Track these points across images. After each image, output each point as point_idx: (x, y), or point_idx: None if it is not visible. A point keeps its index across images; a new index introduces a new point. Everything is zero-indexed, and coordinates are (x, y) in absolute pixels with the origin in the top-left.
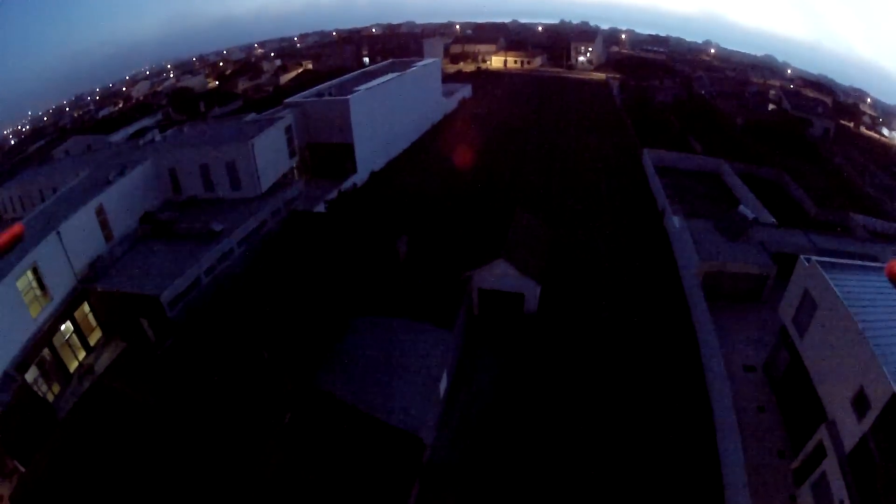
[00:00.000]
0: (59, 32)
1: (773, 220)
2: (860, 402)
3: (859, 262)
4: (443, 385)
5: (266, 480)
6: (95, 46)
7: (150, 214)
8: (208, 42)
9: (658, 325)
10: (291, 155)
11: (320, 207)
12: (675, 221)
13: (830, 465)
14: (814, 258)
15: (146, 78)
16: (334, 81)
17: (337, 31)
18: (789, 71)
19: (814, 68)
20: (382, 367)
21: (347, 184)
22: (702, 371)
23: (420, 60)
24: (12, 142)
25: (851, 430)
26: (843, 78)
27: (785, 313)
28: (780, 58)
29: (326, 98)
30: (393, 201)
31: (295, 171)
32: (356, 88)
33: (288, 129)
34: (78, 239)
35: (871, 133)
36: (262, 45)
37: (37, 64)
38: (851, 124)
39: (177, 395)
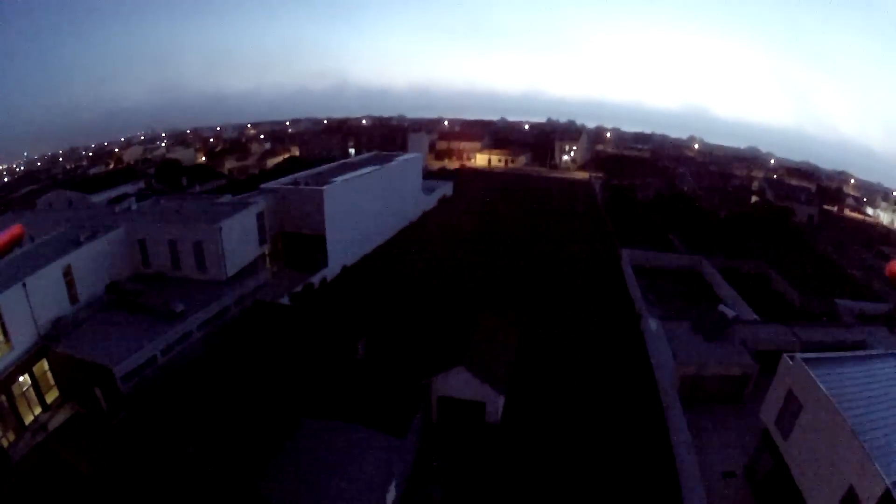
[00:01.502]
0: (55, 83)
1: (755, 316)
2: (849, 500)
3: (846, 354)
4: (391, 496)
5: None
6: (90, 103)
7: (116, 284)
8: (199, 116)
9: (631, 432)
10: (262, 241)
11: (286, 300)
12: (652, 324)
13: None
14: (798, 355)
15: (140, 143)
16: (313, 170)
17: (328, 119)
18: (773, 161)
19: (797, 155)
20: (328, 474)
21: (317, 277)
22: (677, 480)
23: (403, 155)
24: (6, 179)
25: None
26: (826, 162)
27: (767, 415)
28: (764, 148)
29: (301, 187)
30: (358, 299)
31: (266, 259)
32: (333, 179)
33: (260, 216)
34: (43, 294)
35: (856, 214)
36: (255, 125)
37: (36, 109)
38: (835, 208)
39: (116, 470)
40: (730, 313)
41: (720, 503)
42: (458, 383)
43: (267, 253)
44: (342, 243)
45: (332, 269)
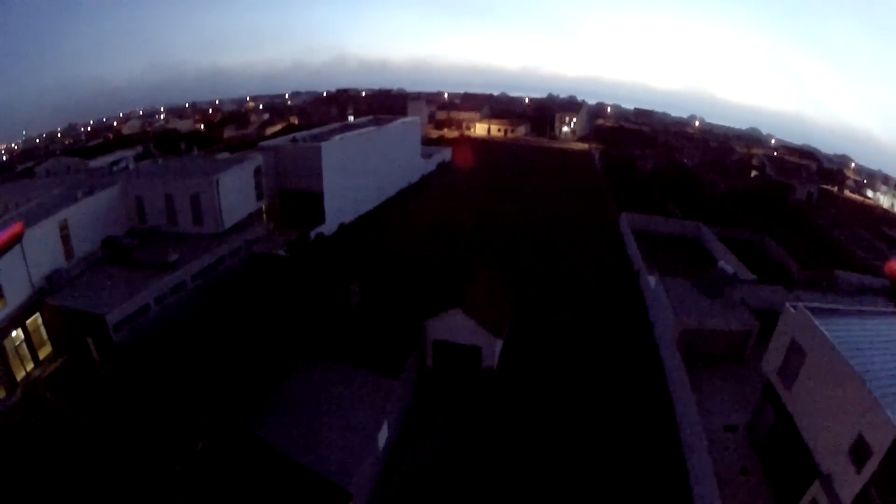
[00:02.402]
0: (50, 63)
1: (755, 276)
2: (859, 451)
3: (849, 308)
4: (382, 437)
5: None
6: (84, 81)
7: (112, 239)
8: (196, 92)
9: (629, 388)
10: (259, 197)
11: (282, 254)
12: (651, 281)
13: None
14: (801, 304)
15: (139, 118)
16: (311, 131)
17: (328, 92)
18: (773, 141)
19: (797, 138)
20: (320, 414)
21: (314, 233)
22: (677, 434)
23: (402, 118)
24: (4, 158)
25: (850, 482)
26: (826, 146)
27: (769, 366)
28: (765, 130)
29: (299, 144)
30: (354, 251)
31: (263, 215)
32: (331, 138)
33: (257, 171)
34: (39, 250)
35: (856, 196)
36: (253, 99)
37: (32, 88)
38: (835, 189)
39: (106, 415)
40: (729, 269)
41: (721, 456)
42: (454, 327)
43: (264, 209)
44: (339, 201)
45: (329, 227)
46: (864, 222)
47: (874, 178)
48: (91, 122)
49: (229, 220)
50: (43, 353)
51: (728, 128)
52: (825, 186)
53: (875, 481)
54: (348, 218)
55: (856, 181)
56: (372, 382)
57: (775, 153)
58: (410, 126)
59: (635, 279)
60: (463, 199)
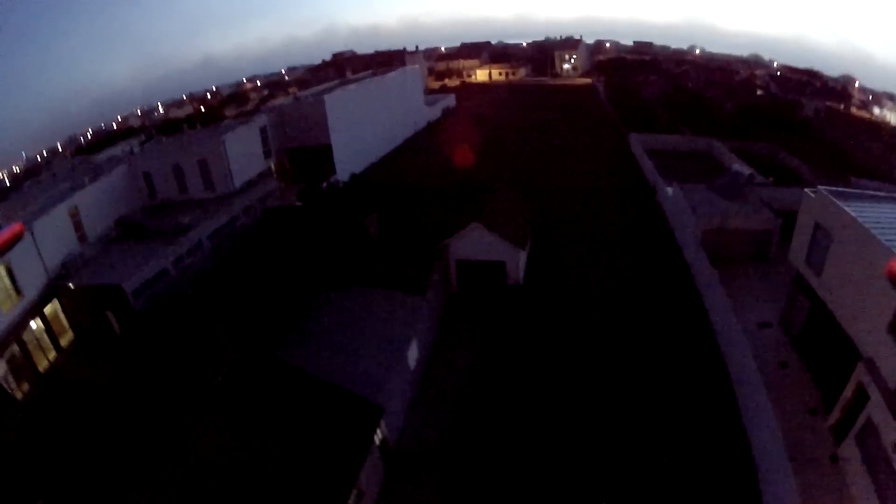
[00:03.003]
0: (39, 78)
1: (771, 179)
2: None
3: (866, 192)
4: (412, 354)
5: (198, 441)
6: (80, 93)
7: (124, 218)
8: (192, 83)
9: (657, 292)
10: (267, 155)
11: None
12: (669, 191)
13: (876, 408)
14: (820, 188)
15: (138, 117)
16: (312, 90)
17: (323, 59)
18: (775, 64)
19: (800, 62)
20: (348, 337)
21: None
22: (711, 333)
23: (401, 68)
24: (7, 184)
25: (893, 361)
26: (829, 69)
27: (796, 256)
28: (766, 56)
29: (302, 100)
30: (370, 189)
31: (273, 174)
32: (334, 91)
33: (263, 130)
34: (51, 238)
35: (863, 113)
36: (250, 80)
37: (25, 107)
38: (842, 106)
39: (131, 371)
40: (745, 171)
41: (759, 352)
42: (475, 243)
43: (273, 168)
44: (348, 151)
45: (340, 177)
46: (872, 136)
47: (880, 96)
48: (90, 131)
49: (240, 180)
50: (65, 341)
51: (729, 55)
52: (831, 104)
53: None
54: (359, 167)
55: (861, 100)
56: (398, 301)
57: (778, 74)
58: (411, 74)
59: (652, 194)
60: (473, 138)
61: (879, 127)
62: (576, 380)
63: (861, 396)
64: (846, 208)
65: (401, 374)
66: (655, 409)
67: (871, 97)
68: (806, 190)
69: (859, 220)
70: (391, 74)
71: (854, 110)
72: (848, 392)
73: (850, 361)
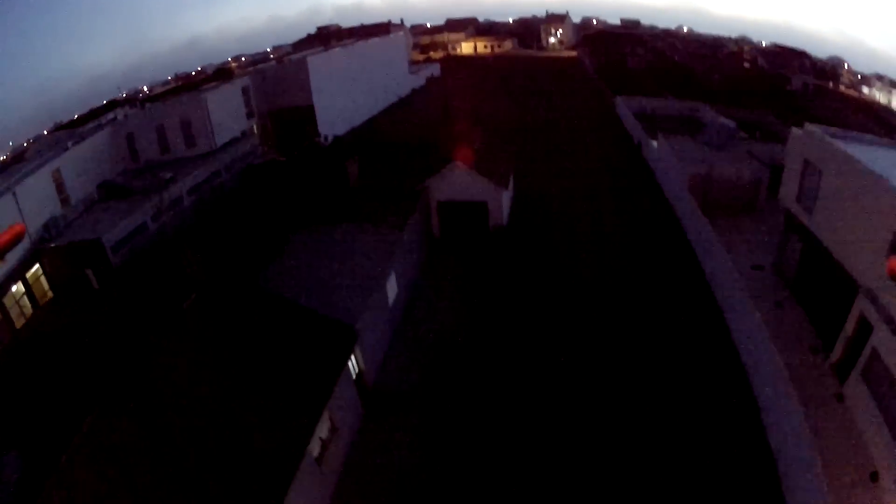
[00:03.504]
0: (23, 62)
1: (757, 134)
2: None
3: (852, 134)
4: (392, 289)
5: (165, 365)
6: (62, 76)
7: (107, 181)
8: (178, 65)
9: (644, 237)
10: (249, 115)
11: None
12: (654, 144)
13: (881, 338)
14: (807, 125)
15: (123, 99)
16: (295, 55)
17: (309, 34)
18: (764, 43)
19: (790, 44)
20: (324, 268)
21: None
22: (702, 276)
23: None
24: None
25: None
26: (820, 52)
27: (787, 196)
28: (755, 37)
29: (285, 62)
30: (354, 143)
31: (255, 135)
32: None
33: (245, 91)
34: (33, 201)
35: (851, 91)
36: (235, 59)
37: (8, 95)
38: (830, 84)
39: (106, 318)
40: (730, 123)
41: (753, 294)
42: (456, 183)
43: (256, 130)
44: (331, 114)
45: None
46: (860, 113)
47: (869, 77)
48: (76, 116)
49: (221, 139)
50: (44, 302)
51: (717, 36)
52: (820, 83)
53: None
54: (342, 130)
55: (850, 80)
56: (376, 236)
57: (767, 51)
58: (395, 40)
59: (637, 150)
60: (457, 104)
61: (868, 105)
62: (560, 319)
63: (864, 329)
64: (833, 141)
65: (379, 307)
66: (644, 351)
67: (859, 77)
68: (793, 129)
69: (848, 150)
70: (375, 40)
71: (843, 88)
72: (849, 326)
73: (847, 298)
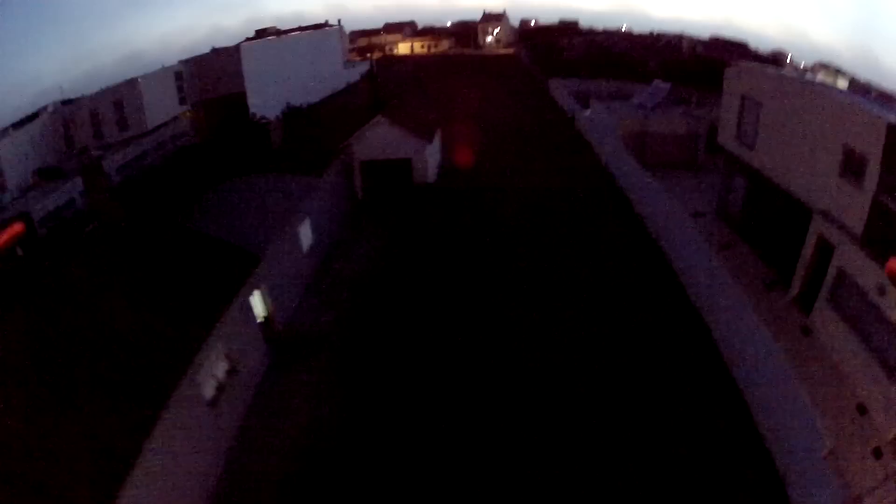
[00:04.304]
0: None
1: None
2: (852, 165)
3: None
4: (306, 234)
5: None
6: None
7: (42, 167)
8: (123, 76)
9: (576, 194)
10: (182, 101)
11: None
12: (587, 112)
13: (846, 255)
14: (741, 62)
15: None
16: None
17: (248, 37)
18: (706, 37)
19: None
20: (240, 211)
21: None
22: (641, 224)
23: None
24: None
25: (854, 203)
26: (762, 46)
27: (727, 136)
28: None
29: (219, 50)
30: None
31: (188, 121)
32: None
33: (178, 76)
34: None
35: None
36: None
37: None
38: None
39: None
40: (665, 84)
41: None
42: (380, 140)
43: (189, 116)
44: (264, 101)
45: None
46: None
47: (813, 66)
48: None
49: (153, 121)
50: None
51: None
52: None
53: (884, 185)
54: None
55: (794, 68)
56: (294, 181)
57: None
58: (329, 34)
59: (570, 123)
60: (391, 95)
61: None
62: (484, 263)
63: (824, 252)
64: (773, 69)
65: (291, 249)
66: (578, 289)
67: (802, 65)
68: (727, 68)
69: (789, 74)
70: (309, 31)
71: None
72: (808, 251)
73: (801, 226)
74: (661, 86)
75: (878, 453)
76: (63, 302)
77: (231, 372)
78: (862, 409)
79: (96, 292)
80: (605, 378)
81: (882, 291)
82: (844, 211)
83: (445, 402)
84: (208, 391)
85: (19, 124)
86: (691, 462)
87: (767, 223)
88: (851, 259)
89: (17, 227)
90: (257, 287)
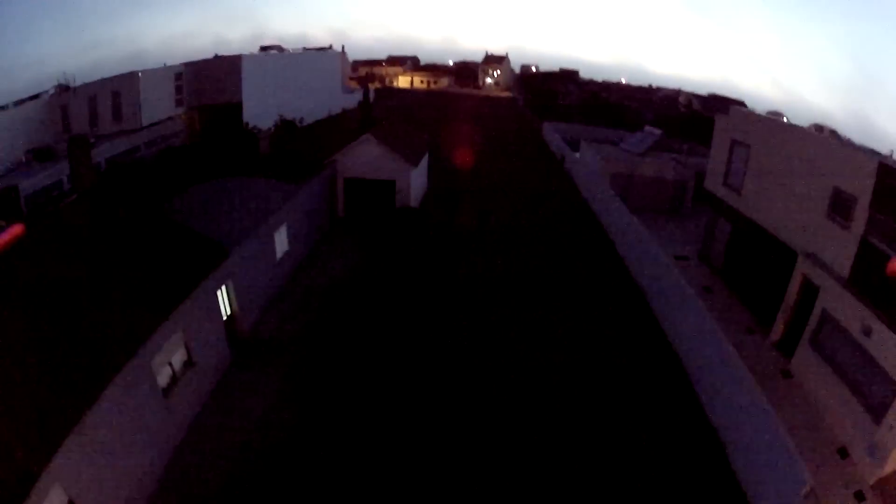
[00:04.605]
0: None
1: (687, 145)
2: (840, 205)
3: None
4: (281, 241)
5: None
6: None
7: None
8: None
9: (556, 230)
10: (178, 104)
11: None
12: (577, 155)
13: (831, 296)
14: (734, 107)
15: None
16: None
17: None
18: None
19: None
20: (214, 206)
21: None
22: (623, 267)
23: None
24: None
25: (841, 243)
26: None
27: (713, 181)
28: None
29: (221, 57)
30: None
31: (183, 123)
32: None
33: (178, 77)
34: None
35: None
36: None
37: None
38: None
39: None
40: (656, 131)
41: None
42: (365, 158)
43: (184, 117)
44: (259, 114)
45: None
46: None
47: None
48: None
49: (148, 118)
50: None
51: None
52: None
53: (872, 225)
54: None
55: None
56: (274, 187)
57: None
58: (330, 56)
59: (560, 165)
60: (389, 125)
61: None
62: (459, 287)
63: (808, 294)
64: (764, 114)
65: (263, 253)
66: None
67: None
68: (717, 114)
69: (778, 118)
70: (311, 51)
71: None
72: (791, 294)
73: (785, 269)
74: (653, 131)
75: (860, 497)
76: (22, 264)
77: (188, 364)
78: (843, 453)
79: (59, 259)
80: (579, 419)
81: (867, 332)
82: (831, 252)
83: (400, 413)
84: (163, 379)
85: (18, 103)
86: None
87: (750, 267)
88: (837, 300)
89: (17, 228)
90: (224, 282)
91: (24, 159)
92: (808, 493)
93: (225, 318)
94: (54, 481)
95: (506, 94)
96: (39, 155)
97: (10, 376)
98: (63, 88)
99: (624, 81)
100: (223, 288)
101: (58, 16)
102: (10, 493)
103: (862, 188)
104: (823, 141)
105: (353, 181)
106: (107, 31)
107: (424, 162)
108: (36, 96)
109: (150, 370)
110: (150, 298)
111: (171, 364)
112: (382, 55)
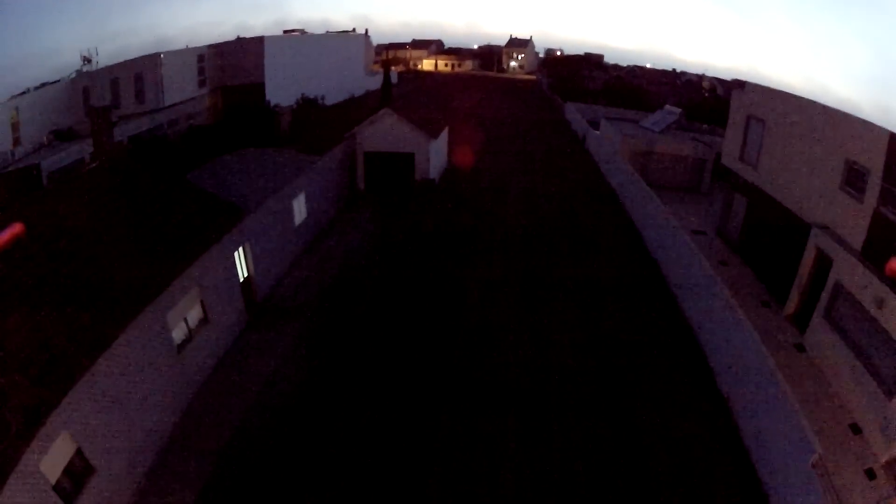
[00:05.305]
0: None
1: (707, 125)
2: (853, 178)
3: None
4: (299, 210)
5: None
6: (25, 67)
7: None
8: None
9: (574, 203)
10: (201, 84)
11: None
12: (596, 132)
13: (844, 267)
14: (748, 82)
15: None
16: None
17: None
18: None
19: None
20: (236, 174)
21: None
22: (640, 240)
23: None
24: None
25: (854, 215)
26: None
27: (730, 156)
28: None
29: (243, 39)
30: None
31: (206, 102)
32: None
33: (201, 59)
34: None
35: None
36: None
37: None
38: None
39: None
40: (675, 110)
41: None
42: (385, 132)
43: (206, 99)
44: (282, 95)
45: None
46: None
47: None
48: None
49: (170, 98)
50: None
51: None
52: None
53: (885, 197)
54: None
55: None
56: (294, 159)
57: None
58: (354, 38)
59: (581, 143)
60: (416, 105)
61: None
62: (476, 253)
63: (821, 266)
64: (779, 88)
65: (281, 219)
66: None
67: None
68: (734, 91)
69: (793, 93)
70: (333, 34)
71: None
72: (805, 267)
73: (799, 243)
74: (672, 110)
75: (871, 474)
76: (46, 216)
77: (204, 322)
78: (856, 429)
79: (81, 218)
80: (591, 382)
81: (881, 304)
82: (844, 224)
83: (410, 380)
84: (178, 334)
85: (41, 87)
86: (671, 468)
87: (766, 241)
88: (850, 272)
89: (17, 228)
90: (241, 244)
91: (45, 141)
92: (817, 462)
93: (241, 280)
94: (62, 426)
95: (529, 76)
96: (61, 136)
97: (23, 318)
98: (86, 60)
99: (649, 66)
100: (240, 250)
101: (81, 6)
102: (17, 435)
103: (875, 160)
104: (836, 114)
105: (373, 155)
106: (130, 21)
107: (444, 136)
108: (58, 81)
109: (166, 323)
110: (168, 254)
111: (186, 321)
112: (406, 40)
